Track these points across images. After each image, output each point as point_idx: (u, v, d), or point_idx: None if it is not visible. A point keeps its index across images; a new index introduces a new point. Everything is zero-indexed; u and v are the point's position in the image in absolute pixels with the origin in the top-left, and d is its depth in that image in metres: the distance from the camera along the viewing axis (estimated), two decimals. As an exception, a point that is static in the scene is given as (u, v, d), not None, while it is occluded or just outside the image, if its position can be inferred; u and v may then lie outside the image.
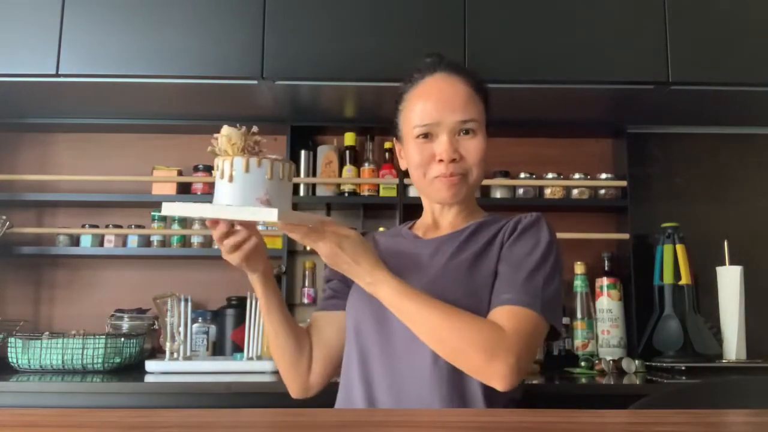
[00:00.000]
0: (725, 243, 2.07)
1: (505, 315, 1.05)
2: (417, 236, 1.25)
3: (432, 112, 1.16)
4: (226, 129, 1.08)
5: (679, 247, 2.06)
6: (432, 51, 1.26)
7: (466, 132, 1.17)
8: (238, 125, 1.10)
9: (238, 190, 1.02)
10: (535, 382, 1.64)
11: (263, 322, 1.27)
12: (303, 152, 2.24)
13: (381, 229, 1.95)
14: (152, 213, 2.26)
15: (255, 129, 1.09)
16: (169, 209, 1.04)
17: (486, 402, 1.06)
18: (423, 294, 1.06)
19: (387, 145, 2.29)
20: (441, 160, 1.15)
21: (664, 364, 1.91)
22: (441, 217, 1.26)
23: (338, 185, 2.24)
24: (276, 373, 1.77)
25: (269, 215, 0.96)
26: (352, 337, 1.18)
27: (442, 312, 1.04)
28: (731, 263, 2.05)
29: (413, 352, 1.08)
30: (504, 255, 1.14)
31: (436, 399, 1.06)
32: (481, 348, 1.00)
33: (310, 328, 1.29)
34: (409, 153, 1.20)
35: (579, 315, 2.10)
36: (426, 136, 1.17)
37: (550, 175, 2.23)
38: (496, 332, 1.02)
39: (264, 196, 1.01)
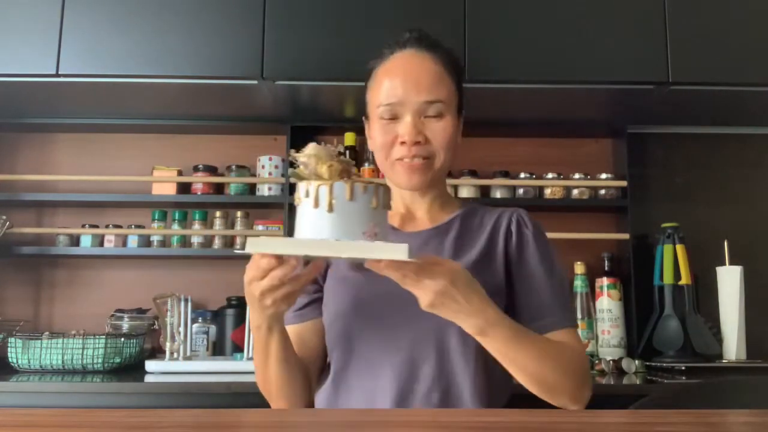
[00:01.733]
0: (725, 243, 2.07)
1: (568, 338, 1.06)
2: (394, 227, 1.15)
3: (397, 90, 1.09)
4: (313, 147, 0.91)
5: (679, 247, 2.06)
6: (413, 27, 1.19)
7: (433, 114, 1.09)
8: (323, 143, 0.93)
9: (341, 222, 0.85)
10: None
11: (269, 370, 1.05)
12: (303, 152, 2.24)
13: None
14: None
15: (341, 148, 0.93)
16: (260, 246, 0.85)
17: (485, 400, 1.05)
18: (529, 332, 0.99)
19: (387, 145, 2.29)
20: (403, 143, 1.08)
21: (664, 364, 1.91)
22: (414, 205, 1.17)
23: (338, 185, 2.24)
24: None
25: (399, 252, 0.80)
26: (343, 344, 1.09)
27: (543, 350, 0.99)
28: (731, 263, 2.05)
29: (420, 351, 1.05)
30: (524, 271, 1.10)
31: (435, 399, 1.03)
32: (575, 377, 1.01)
33: (295, 347, 1.11)
34: (374, 133, 1.13)
35: (579, 315, 2.10)
36: (391, 116, 1.10)
37: (550, 175, 2.23)
38: (583, 359, 1.05)
39: (372, 228, 0.85)
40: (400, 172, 1.10)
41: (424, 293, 0.88)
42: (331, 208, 0.84)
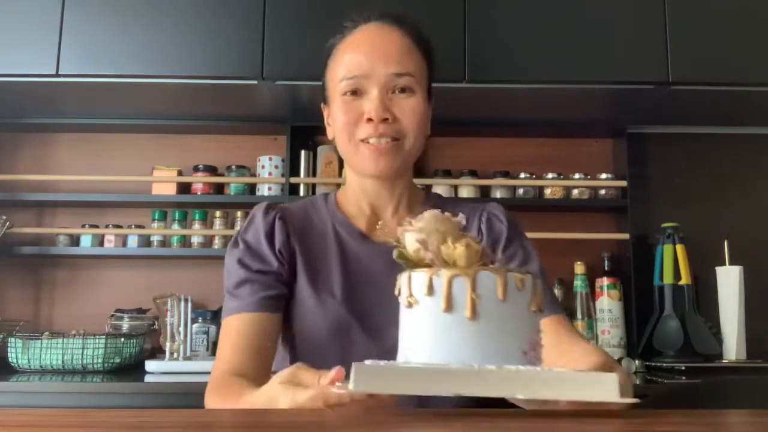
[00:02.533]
0: (725, 243, 2.07)
1: (557, 323, 0.94)
2: (363, 234, 1.01)
3: (362, 62, 0.98)
4: (434, 218, 0.63)
5: (679, 247, 2.06)
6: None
7: (402, 90, 0.98)
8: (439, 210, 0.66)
9: (491, 335, 0.57)
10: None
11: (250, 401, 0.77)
12: (303, 152, 2.24)
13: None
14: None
15: (460, 218, 0.65)
16: (379, 383, 0.53)
17: None
18: None
19: (387, 145, 2.28)
20: (370, 120, 0.96)
21: (664, 364, 1.91)
22: (380, 202, 1.03)
23: (338, 185, 2.24)
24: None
25: (607, 388, 0.53)
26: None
27: None
28: (731, 263, 2.05)
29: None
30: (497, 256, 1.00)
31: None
32: None
33: (254, 337, 0.93)
34: (335, 114, 1.01)
35: (579, 315, 2.10)
36: (354, 92, 0.98)
37: (550, 175, 2.23)
38: None
39: (537, 343, 0.59)
40: (365, 155, 0.98)
41: None
42: (474, 314, 0.56)
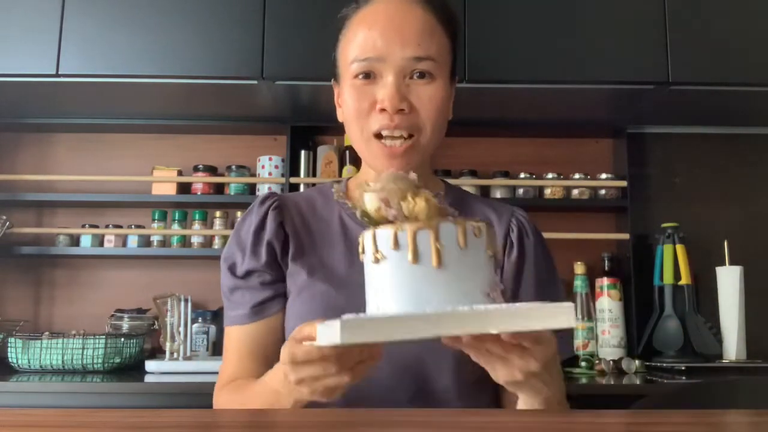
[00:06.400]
0: (725, 243, 2.07)
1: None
2: None
3: (377, 42, 0.88)
4: (392, 177, 0.67)
5: (679, 247, 2.06)
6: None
7: (421, 75, 0.88)
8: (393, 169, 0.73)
9: (455, 281, 0.62)
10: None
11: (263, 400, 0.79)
12: (303, 152, 2.24)
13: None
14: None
15: (413, 175, 0.69)
16: (364, 332, 0.57)
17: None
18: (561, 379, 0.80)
19: (387, 145, 2.28)
20: (383, 110, 0.87)
21: (664, 364, 1.91)
22: None
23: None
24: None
25: (563, 316, 0.58)
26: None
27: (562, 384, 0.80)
28: (731, 263, 2.05)
29: (397, 375, 0.88)
30: (522, 289, 0.95)
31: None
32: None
33: (255, 346, 0.92)
34: (345, 97, 0.93)
35: (579, 315, 2.10)
36: (368, 75, 0.89)
37: (550, 175, 2.23)
38: None
39: (497, 287, 0.64)
40: (377, 154, 0.90)
41: (509, 372, 0.66)
42: (440, 262, 0.60)
